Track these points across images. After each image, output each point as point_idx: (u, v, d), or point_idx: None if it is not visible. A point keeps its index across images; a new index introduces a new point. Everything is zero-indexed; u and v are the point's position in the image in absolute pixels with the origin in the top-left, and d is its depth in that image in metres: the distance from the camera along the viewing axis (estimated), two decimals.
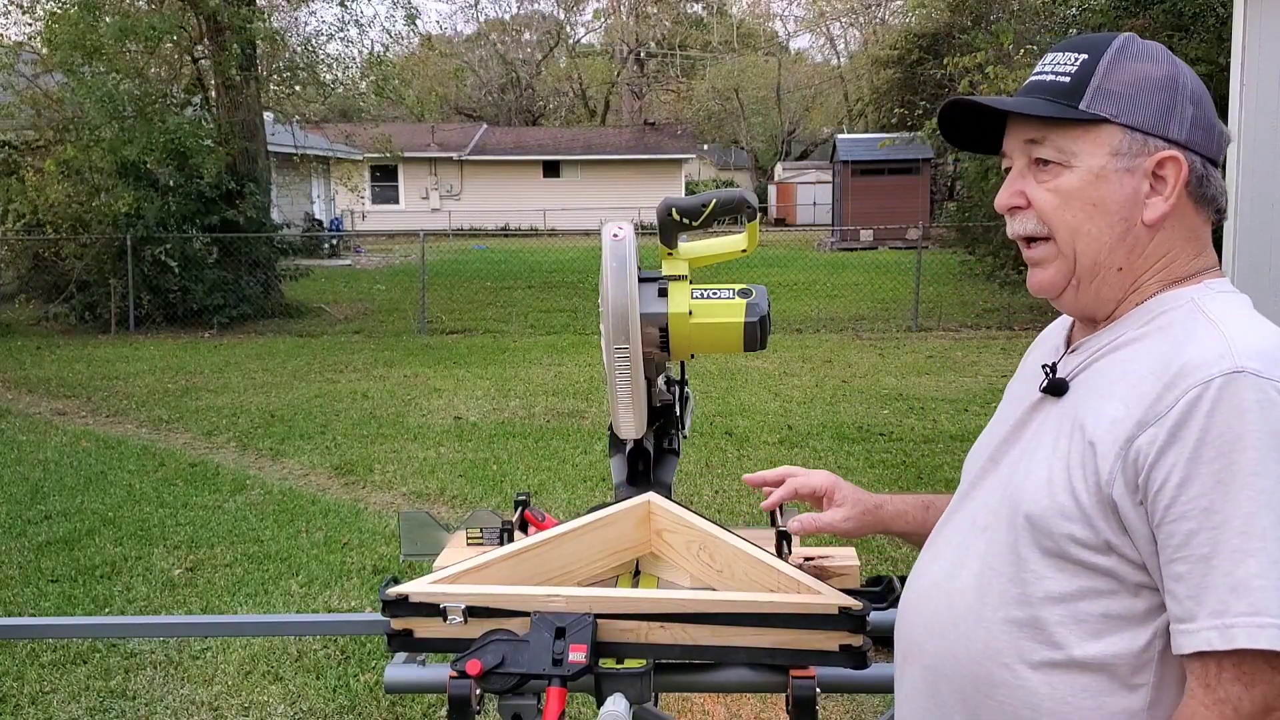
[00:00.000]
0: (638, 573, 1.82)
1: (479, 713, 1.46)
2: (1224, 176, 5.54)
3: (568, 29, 49.16)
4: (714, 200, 1.78)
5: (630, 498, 1.83)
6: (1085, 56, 1.18)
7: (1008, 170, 1.25)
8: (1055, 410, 1.21)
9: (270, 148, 16.28)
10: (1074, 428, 1.16)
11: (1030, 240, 1.23)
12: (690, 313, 1.78)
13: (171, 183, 13.62)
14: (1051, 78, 1.20)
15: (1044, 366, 1.25)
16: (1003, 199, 1.23)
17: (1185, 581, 1.05)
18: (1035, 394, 1.25)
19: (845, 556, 1.79)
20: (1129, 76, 1.16)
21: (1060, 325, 1.37)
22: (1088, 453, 1.12)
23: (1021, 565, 1.17)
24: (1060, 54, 1.21)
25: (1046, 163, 1.19)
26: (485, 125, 39.22)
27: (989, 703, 1.18)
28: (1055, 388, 1.22)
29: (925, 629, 1.28)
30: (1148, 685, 1.11)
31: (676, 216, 1.79)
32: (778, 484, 1.61)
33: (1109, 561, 1.11)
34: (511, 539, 1.84)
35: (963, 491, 1.33)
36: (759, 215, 1.83)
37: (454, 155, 34.59)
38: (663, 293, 1.79)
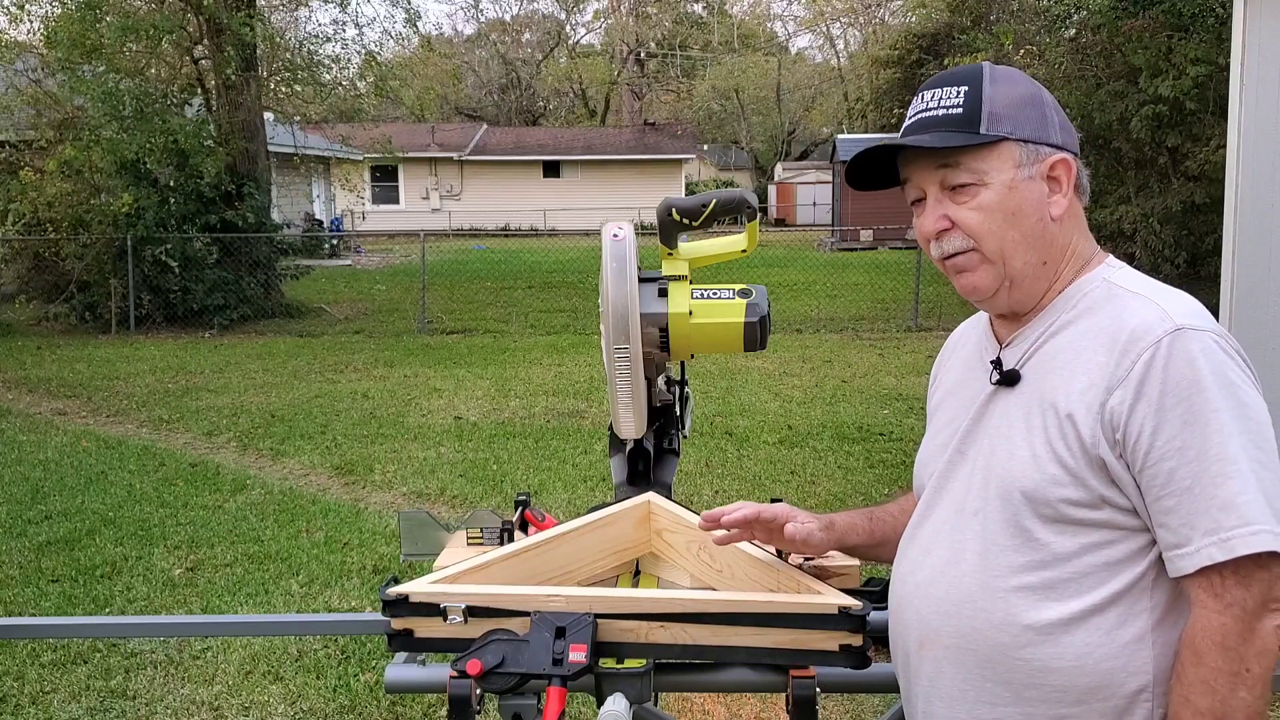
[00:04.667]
0: (638, 573, 1.82)
1: (479, 712, 1.46)
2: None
3: (568, 29, 49.18)
4: (714, 200, 1.78)
5: (630, 498, 1.83)
6: (966, 88, 1.33)
7: (915, 202, 1.38)
8: (1014, 397, 1.34)
9: (270, 148, 16.28)
10: (1044, 407, 1.29)
11: (954, 254, 1.35)
12: (690, 313, 1.78)
13: (171, 183, 13.62)
14: (944, 111, 1.33)
15: (991, 362, 1.38)
16: (929, 225, 1.35)
17: (1175, 513, 1.21)
18: (986, 388, 1.38)
19: (845, 556, 1.78)
20: (1007, 98, 1.32)
21: (973, 328, 1.52)
22: (1067, 424, 1.26)
23: (1026, 536, 1.29)
24: (939, 89, 1.35)
25: (963, 186, 1.32)
26: (485, 125, 39.20)
27: (1017, 663, 1.29)
28: (1009, 378, 1.35)
29: (939, 614, 1.35)
30: (1147, 609, 1.26)
31: (676, 216, 1.79)
32: (737, 519, 1.56)
33: (1103, 514, 1.26)
34: (511, 539, 1.84)
35: (933, 489, 1.42)
36: (759, 215, 1.83)
37: (454, 155, 34.58)
38: (663, 293, 1.79)
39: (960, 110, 1.32)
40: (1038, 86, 1.36)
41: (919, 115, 1.35)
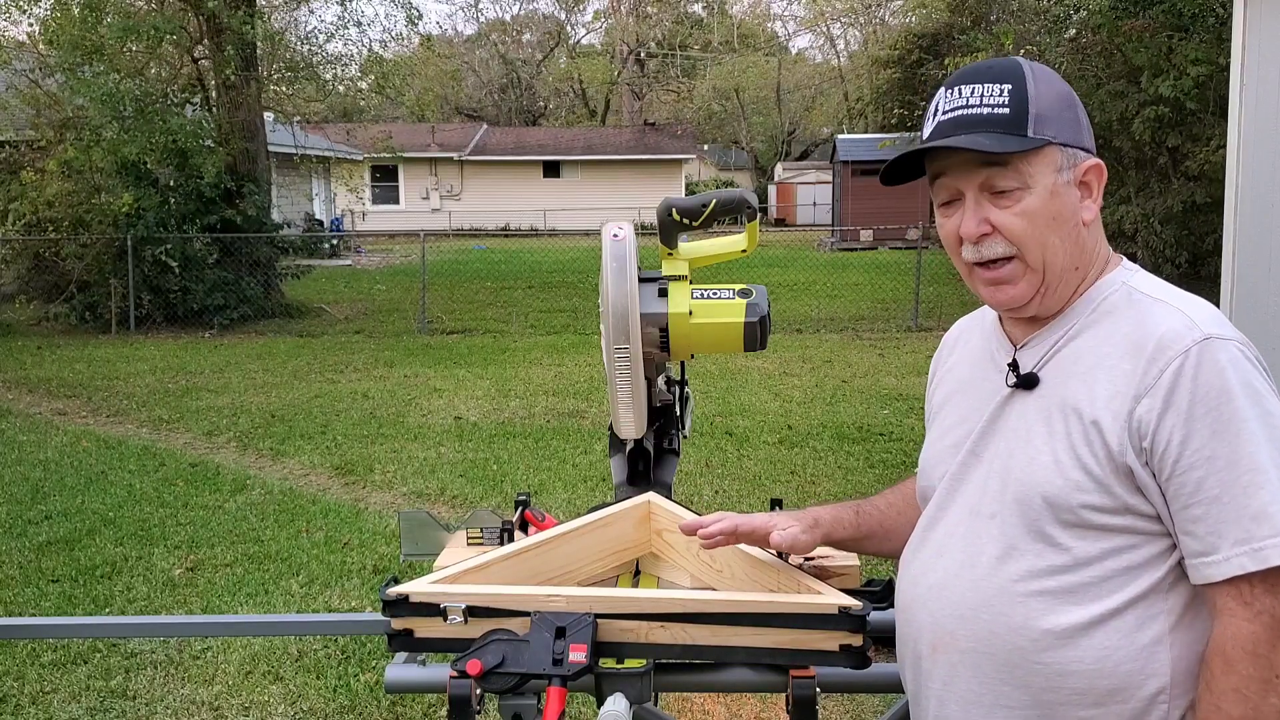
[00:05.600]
0: (638, 573, 1.82)
1: (479, 713, 1.46)
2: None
3: (568, 29, 49.20)
4: (714, 200, 1.78)
5: (630, 498, 1.83)
6: (1010, 86, 1.28)
7: (946, 203, 1.34)
8: (1032, 400, 1.32)
9: (270, 148, 16.28)
10: (1066, 412, 1.28)
11: (993, 261, 1.31)
12: (690, 313, 1.78)
13: (171, 183, 13.62)
14: (989, 110, 1.28)
15: (1008, 364, 1.36)
16: (971, 228, 1.30)
17: (1203, 521, 1.21)
18: (1002, 389, 1.36)
19: (845, 556, 1.78)
20: (1049, 98, 1.29)
21: (974, 325, 1.50)
22: (1092, 431, 1.25)
23: (1047, 541, 1.28)
24: (980, 85, 1.30)
25: (1006, 190, 1.28)
26: (485, 125, 39.20)
27: (1036, 667, 1.28)
28: (1027, 381, 1.33)
29: (955, 617, 1.34)
30: (1164, 612, 1.26)
31: (676, 216, 1.79)
32: (713, 531, 1.56)
33: (1126, 520, 1.25)
34: (511, 539, 1.84)
35: (945, 491, 1.40)
36: (759, 215, 1.83)
37: (454, 155, 34.59)
38: (663, 293, 1.79)
39: (1007, 111, 1.27)
40: (1067, 85, 1.33)
41: (959, 112, 1.29)
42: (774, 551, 1.66)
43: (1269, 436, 1.19)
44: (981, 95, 1.29)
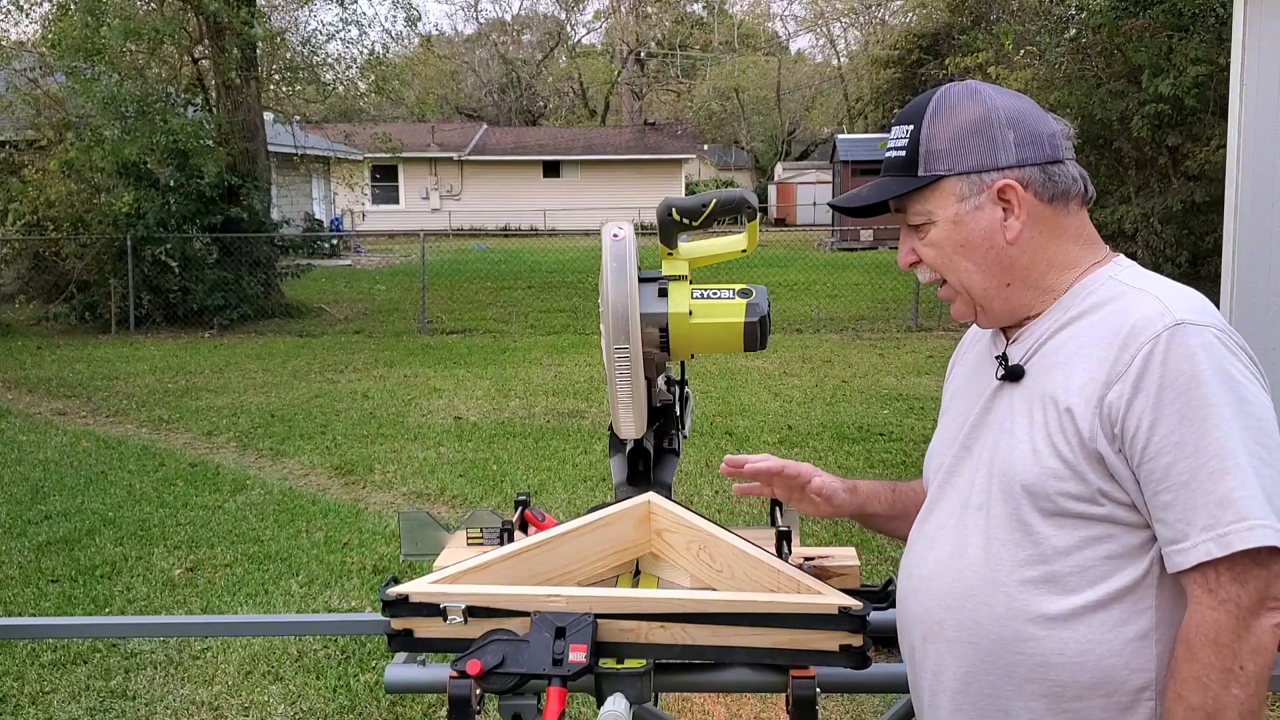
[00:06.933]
0: (638, 573, 1.82)
1: (479, 713, 1.46)
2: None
3: (568, 29, 49.20)
4: (714, 200, 1.78)
5: (630, 498, 1.83)
6: (911, 127, 1.37)
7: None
8: (1018, 392, 1.35)
9: (270, 148, 16.28)
10: (1045, 402, 1.30)
11: (939, 283, 1.42)
12: (690, 313, 1.78)
13: (172, 183, 13.62)
14: (893, 154, 1.39)
15: (997, 357, 1.39)
16: (901, 259, 1.44)
17: (1172, 508, 1.21)
18: (993, 383, 1.39)
19: (845, 556, 1.79)
20: (948, 132, 1.34)
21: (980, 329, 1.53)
22: (1066, 419, 1.27)
23: (1027, 530, 1.30)
24: (896, 128, 1.40)
25: (917, 224, 1.38)
26: (485, 125, 39.19)
27: (1019, 658, 1.30)
28: (1013, 374, 1.36)
29: (944, 607, 1.36)
30: (1152, 607, 1.26)
31: (676, 216, 1.79)
32: (760, 468, 1.62)
33: (1103, 509, 1.26)
34: (511, 539, 1.84)
35: (940, 482, 1.43)
36: (759, 215, 1.83)
37: (454, 155, 34.57)
38: (663, 293, 1.79)
39: (903, 153, 1.36)
40: (990, 108, 1.34)
41: (886, 154, 1.41)
42: (772, 550, 1.66)
43: (1241, 423, 1.19)
44: (893, 140, 1.39)
